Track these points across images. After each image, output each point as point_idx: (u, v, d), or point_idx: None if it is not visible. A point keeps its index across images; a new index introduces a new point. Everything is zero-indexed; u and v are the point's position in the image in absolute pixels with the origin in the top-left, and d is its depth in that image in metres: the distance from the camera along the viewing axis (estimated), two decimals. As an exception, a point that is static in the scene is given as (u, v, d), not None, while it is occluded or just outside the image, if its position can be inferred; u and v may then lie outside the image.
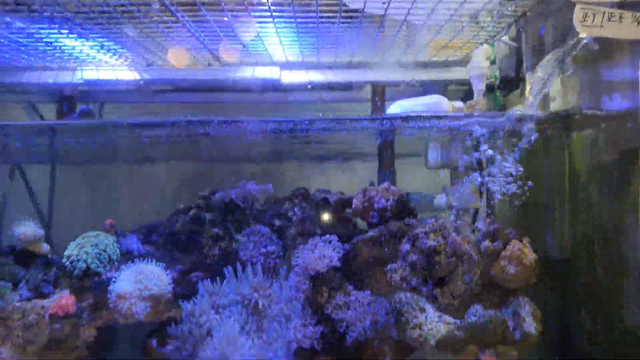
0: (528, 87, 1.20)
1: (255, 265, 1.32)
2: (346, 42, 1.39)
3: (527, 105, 1.10)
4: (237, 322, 1.23)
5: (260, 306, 1.27)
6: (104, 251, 1.21)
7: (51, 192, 1.57)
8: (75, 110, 1.56)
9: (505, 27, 1.29)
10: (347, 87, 1.63)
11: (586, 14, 0.77)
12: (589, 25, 0.77)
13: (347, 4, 1.09)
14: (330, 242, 1.24)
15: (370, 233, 1.24)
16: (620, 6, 0.79)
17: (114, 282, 1.14)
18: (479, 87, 1.47)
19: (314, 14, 1.15)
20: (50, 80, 1.52)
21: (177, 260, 1.39)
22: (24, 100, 1.71)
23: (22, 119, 1.73)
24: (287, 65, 1.53)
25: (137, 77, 1.42)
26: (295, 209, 1.40)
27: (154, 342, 1.32)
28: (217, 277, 1.34)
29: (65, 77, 1.53)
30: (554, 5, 1.03)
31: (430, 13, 1.13)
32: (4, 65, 1.48)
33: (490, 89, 1.41)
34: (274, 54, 1.46)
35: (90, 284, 1.19)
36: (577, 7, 0.78)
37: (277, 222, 1.42)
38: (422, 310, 1.06)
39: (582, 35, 0.81)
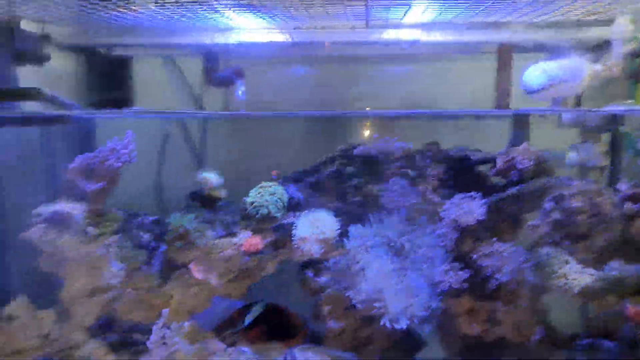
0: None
1: (400, 212, 1.52)
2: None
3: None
4: (388, 261, 1.46)
5: (406, 248, 1.49)
6: (280, 199, 1.43)
7: (203, 145, 1.78)
8: (223, 69, 1.71)
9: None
10: (475, 46, 1.69)
11: None
12: None
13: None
14: (474, 198, 1.41)
15: (512, 190, 1.39)
16: None
17: (295, 227, 1.37)
18: (619, 50, 1.49)
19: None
20: (202, 41, 1.66)
21: (324, 207, 1.60)
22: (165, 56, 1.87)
23: (157, 72, 1.90)
24: (425, 27, 1.59)
25: (287, 38, 1.53)
26: (431, 163, 1.56)
27: (310, 274, 1.60)
28: (362, 222, 1.56)
29: (216, 39, 1.66)
30: None
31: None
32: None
33: (633, 54, 1.43)
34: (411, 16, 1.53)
35: (269, 226, 1.43)
36: None
37: (414, 175, 1.59)
38: (566, 262, 1.23)
39: None
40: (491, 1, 1.30)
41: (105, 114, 1.63)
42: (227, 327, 1.49)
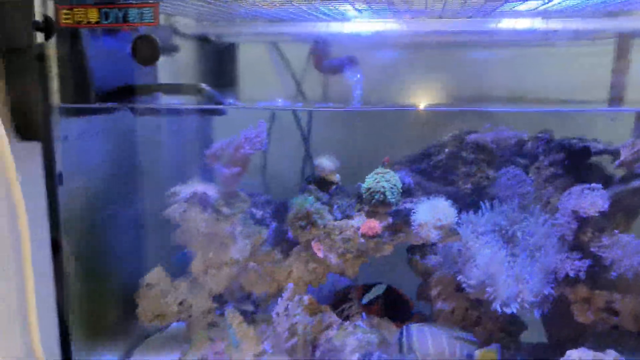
0: None
1: (512, 200, 1.55)
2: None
3: None
4: (500, 248, 1.51)
5: (518, 237, 1.53)
6: (395, 186, 1.50)
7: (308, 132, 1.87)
8: (334, 57, 1.77)
9: None
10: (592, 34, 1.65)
11: None
12: None
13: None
14: (595, 189, 1.42)
15: (637, 183, 1.39)
16: None
17: (414, 212, 1.44)
18: None
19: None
20: (313, 30, 1.72)
21: (434, 193, 1.65)
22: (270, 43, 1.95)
23: (263, 59, 1.98)
24: (542, 14, 1.57)
25: (403, 27, 1.56)
26: (545, 152, 1.57)
27: (417, 256, 1.67)
28: (471, 210, 1.60)
29: (327, 28, 1.72)
30: None
31: None
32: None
33: None
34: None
35: (385, 211, 1.50)
36: None
37: (527, 165, 1.61)
38: (698, 258, 1.23)
39: None
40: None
41: (243, 106, 1.72)
42: (342, 303, 1.60)
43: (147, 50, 1.13)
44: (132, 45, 1.13)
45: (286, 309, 1.51)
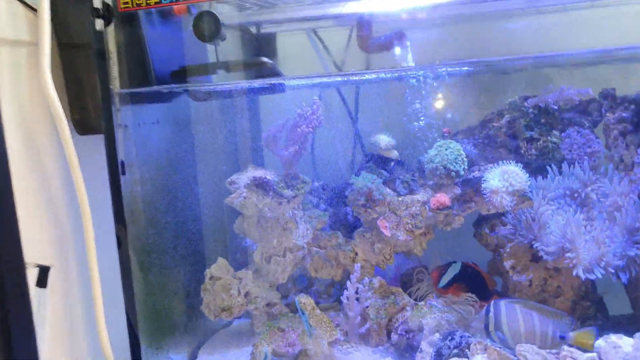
0: None
1: (582, 162, 1.48)
2: None
3: None
4: (575, 211, 1.43)
5: (592, 198, 1.46)
6: (459, 155, 1.44)
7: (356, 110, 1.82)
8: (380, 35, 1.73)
9: None
10: None
11: None
12: None
13: None
14: (676, 140, 1.35)
15: None
16: None
17: (484, 180, 1.38)
18: None
19: None
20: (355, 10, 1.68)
21: (497, 161, 1.59)
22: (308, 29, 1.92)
23: (302, 45, 1.95)
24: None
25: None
26: (609, 109, 1.50)
27: (485, 229, 1.61)
28: (538, 175, 1.53)
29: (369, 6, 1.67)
30: None
31: None
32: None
33: None
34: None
35: (451, 182, 1.44)
36: None
37: (588, 124, 1.54)
38: None
39: None
40: None
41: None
42: (411, 286, 1.54)
43: (209, 26, 1.10)
44: (193, 22, 1.10)
45: (356, 292, 1.46)
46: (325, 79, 1.72)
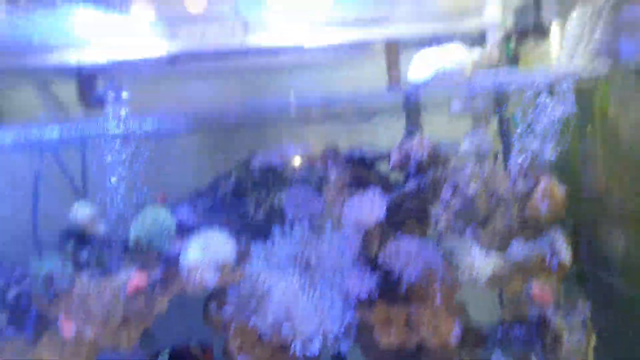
0: (555, 39, 1.27)
1: (302, 223, 1.41)
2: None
3: (558, 60, 1.17)
4: (294, 279, 1.34)
5: (312, 261, 1.38)
6: (164, 225, 1.27)
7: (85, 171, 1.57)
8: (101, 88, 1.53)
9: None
10: (363, 43, 1.66)
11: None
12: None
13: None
14: (374, 195, 1.34)
15: (410, 185, 1.34)
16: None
17: (182, 254, 1.21)
18: (493, 36, 1.53)
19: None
20: (69, 61, 1.48)
21: (224, 225, 1.46)
22: (36, 82, 1.65)
23: (33, 101, 1.68)
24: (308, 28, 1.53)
25: (163, 52, 1.40)
26: (332, 166, 1.48)
27: (213, 306, 1.43)
28: (266, 237, 1.43)
29: (85, 56, 1.48)
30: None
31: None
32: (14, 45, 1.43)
33: (505, 38, 1.47)
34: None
35: (156, 258, 1.26)
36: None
37: (316, 181, 1.50)
38: (471, 251, 1.19)
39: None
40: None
41: None
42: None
43: None
44: None
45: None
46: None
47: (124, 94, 1.51)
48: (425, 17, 1.59)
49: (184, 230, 1.34)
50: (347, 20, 1.55)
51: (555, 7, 1.27)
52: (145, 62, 1.47)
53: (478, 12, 1.56)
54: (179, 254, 1.24)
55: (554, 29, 1.25)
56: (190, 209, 1.37)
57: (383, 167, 1.48)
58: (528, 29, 1.43)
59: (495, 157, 1.50)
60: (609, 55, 1.21)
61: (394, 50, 1.66)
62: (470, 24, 1.57)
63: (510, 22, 1.47)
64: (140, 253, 1.24)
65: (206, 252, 1.20)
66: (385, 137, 1.56)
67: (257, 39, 1.49)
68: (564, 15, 1.22)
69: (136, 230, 1.25)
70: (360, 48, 1.69)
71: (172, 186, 1.43)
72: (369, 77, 1.65)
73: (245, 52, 1.51)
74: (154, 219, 1.26)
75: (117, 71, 1.57)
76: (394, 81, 1.64)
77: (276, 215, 1.47)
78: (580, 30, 1.14)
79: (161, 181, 1.44)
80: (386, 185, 1.40)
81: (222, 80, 1.63)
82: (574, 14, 1.13)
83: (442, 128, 1.56)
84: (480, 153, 1.56)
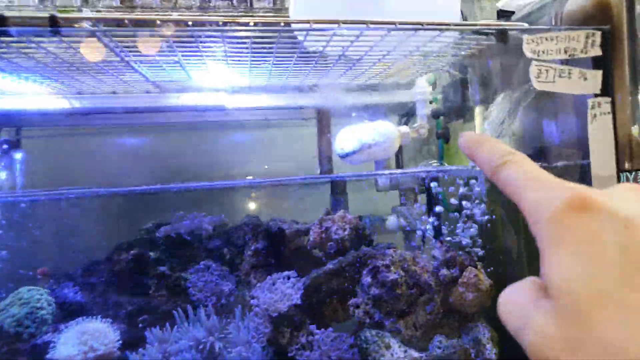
0: (478, 119, 1.26)
1: (207, 306, 1.26)
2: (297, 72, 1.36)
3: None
4: (193, 371, 1.17)
5: (216, 350, 1.22)
6: (37, 308, 1.08)
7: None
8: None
9: (452, 62, 1.34)
10: (293, 108, 1.61)
11: (540, 70, 0.82)
12: (543, 80, 0.82)
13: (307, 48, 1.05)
14: (289, 278, 1.22)
15: (329, 266, 1.23)
16: (565, 62, 0.85)
17: (53, 347, 1.02)
18: (422, 111, 1.51)
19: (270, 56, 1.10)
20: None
21: (120, 305, 1.28)
22: None
23: None
24: (233, 90, 1.46)
25: (66, 105, 1.27)
26: (248, 240, 1.35)
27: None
28: (167, 321, 1.26)
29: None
30: (502, 47, 1.08)
31: (386, 54, 1.13)
32: None
33: (435, 115, 1.46)
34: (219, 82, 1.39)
35: (24, 348, 1.05)
36: (533, 64, 0.83)
37: (229, 256, 1.36)
38: (388, 346, 1.07)
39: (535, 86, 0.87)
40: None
41: None
42: None
43: None
44: None
45: None
46: None
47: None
48: (357, 88, 1.58)
49: (68, 312, 1.15)
50: (276, 88, 1.51)
51: (480, 91, 1.27)
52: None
53: (409, 86, 1.56)
54: (45, 343, 1.05)
55: (479, 110, 1.25)
56: (76, 288, 1.19)
57: (304, 242, 1.38)
58: (455, 108, 1.42)
59: (423, 237, 1.44)
60: (532, 139, 1.21)
61: (325, 117, 1.62)
62: (400, 98, 1.56)
63: (436, 98, 1.46)
64: (3, 341, 1.03)
65: (84, 343, 1.02)
66: (311, 208, 1.48)
67: (178, 100, 1.41)
68: (488, 100, 1.21)
69: (3, 310, 1.06)
70: (292, 110, 1.64)
71: (59, 259, 1.25)
72: (302, 136, 1.59)
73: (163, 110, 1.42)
74: (24, 299, 1.07)
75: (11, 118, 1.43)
76: (325, 146, 1.59)
77: (180, 294, 1.32)
78: (503, 114, 1.13)
79: (46, 251, 1.27)
80: (306, 264, 1.29)
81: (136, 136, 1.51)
82: (498, 99, 1.12)
83: (369, 202, 1.50)
84: (406, 230, 1.51)
